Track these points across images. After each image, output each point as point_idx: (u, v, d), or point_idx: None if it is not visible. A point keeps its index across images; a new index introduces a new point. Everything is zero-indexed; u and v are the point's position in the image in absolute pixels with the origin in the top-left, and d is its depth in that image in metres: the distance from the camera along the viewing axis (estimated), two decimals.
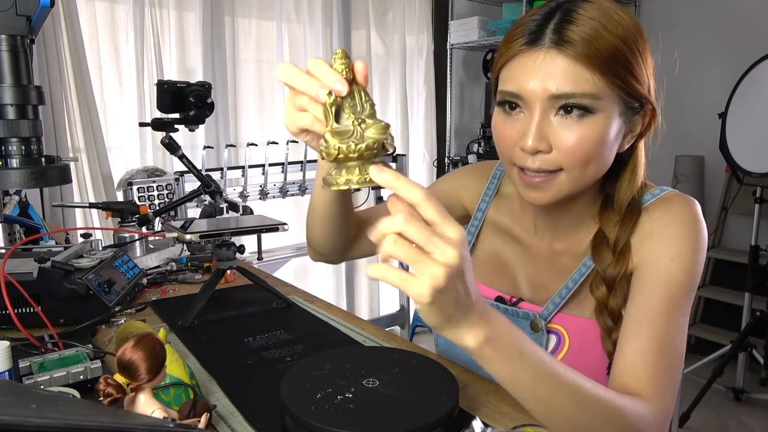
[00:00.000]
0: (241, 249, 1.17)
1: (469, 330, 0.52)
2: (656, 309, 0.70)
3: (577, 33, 0.65)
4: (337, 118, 0.52)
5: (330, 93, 0.51)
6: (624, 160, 0.76)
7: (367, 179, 0.50)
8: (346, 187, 0.51)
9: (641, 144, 0.77)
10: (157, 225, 1.52)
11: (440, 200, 0.49)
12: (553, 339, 0.80)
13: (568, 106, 0.66)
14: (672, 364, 0.69)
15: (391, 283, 0.48)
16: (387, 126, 0.51)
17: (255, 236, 1.20)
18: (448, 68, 3.36)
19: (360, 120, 0.51)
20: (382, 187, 0.50)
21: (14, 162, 0.96)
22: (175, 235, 1.10)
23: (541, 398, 0.58)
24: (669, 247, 0.72)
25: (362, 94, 0.52)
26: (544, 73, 0.66)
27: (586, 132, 0.67)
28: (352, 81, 0.52)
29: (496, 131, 0.74)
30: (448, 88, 3.38)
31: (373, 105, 0.52)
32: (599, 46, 0.65)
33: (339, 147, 0.50)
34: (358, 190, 0.54)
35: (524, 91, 0.67)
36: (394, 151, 0.53)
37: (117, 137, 2.38)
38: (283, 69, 0.54)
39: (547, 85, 0.66)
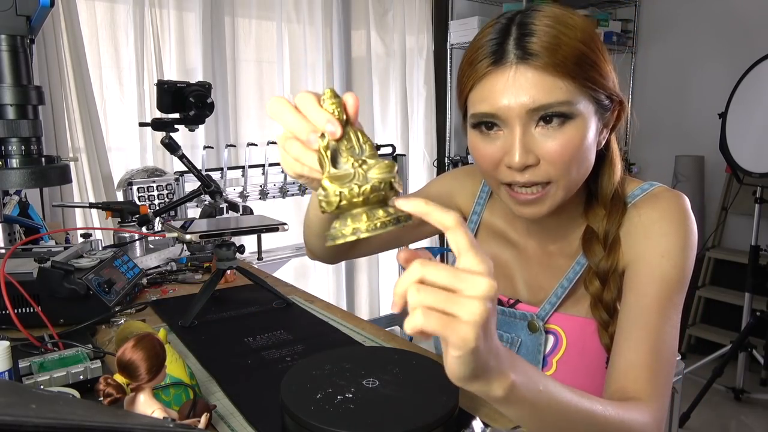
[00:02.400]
0: (241, 249, 1.17)
1: (498, 378, 0.48)
2: (650, 308, 0.70)
3: (539, 44, 0.65)
4: (334, 162, 0.46)
5: (323, 136, 0.45)
6: (602, 155, 0.77)
7: (378, 225, 0.44)
8: (354, 238, 0.44)
9: (614, 137, 0.78)
10: (157, 225, 1.52)
11: (435, 201, 0.47)
12: (551, 339, 0.80)
13: (547, 116, 0.66)
14: (667, 362, 0.69)
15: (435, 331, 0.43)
16: (392, 164, 0.45)
17: (255, 236, 1.20)
18: (448, 68, 3.36)
19: (360, 161, 0.45)
20: (397, 226, 0.44)
21: (14, 162, 0.96)
22: (175, 235, 1.10)
23: (563, 429, 0.56)
24: (659, 244, 0.73)
25: (359, 134, 0.47)
26: (516, 89, 0.65)
27: (568, 137, 0.67)
28: (346, 122, 0.46)
29: (476, 152, 0.73)
30: (448, 88, 3.38)
31: (372, 146, 0.47)
32: (565, 53, 0.65)
33: (341, 192, 0.44)
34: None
35: (500, 110, 0.67)
36: (401, 190, 0.47)
37: (117, 137, 2.38)
38: (274, 105, 0.48)
39: (522, 100, 0.65)
